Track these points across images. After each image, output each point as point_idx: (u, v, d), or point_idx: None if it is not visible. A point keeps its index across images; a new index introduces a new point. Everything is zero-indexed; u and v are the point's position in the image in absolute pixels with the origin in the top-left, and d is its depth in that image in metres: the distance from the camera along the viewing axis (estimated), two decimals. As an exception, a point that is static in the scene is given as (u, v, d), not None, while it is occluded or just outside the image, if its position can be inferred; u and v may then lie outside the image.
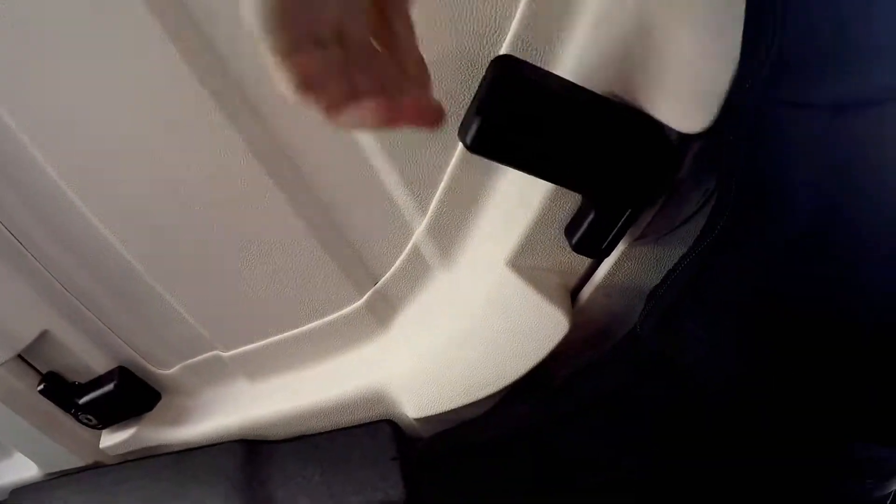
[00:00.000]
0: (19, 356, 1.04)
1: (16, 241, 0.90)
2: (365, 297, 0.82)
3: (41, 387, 1.04)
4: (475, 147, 0.49)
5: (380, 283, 0.81)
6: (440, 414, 0.79)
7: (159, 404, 1.04)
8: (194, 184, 0.74)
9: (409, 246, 0.76)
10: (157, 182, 0.75)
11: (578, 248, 0.60)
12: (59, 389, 1.04)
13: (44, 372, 1.05)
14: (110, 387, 0.97)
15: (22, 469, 1.31)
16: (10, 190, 0.83)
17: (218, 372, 0.98)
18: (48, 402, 1.07)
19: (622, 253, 0.63)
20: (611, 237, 0.58)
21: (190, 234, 0.80)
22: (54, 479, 1.17)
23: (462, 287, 0.74)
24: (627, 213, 0.56)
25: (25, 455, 1.19)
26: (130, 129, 0.71)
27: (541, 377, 0.72)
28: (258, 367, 0.95)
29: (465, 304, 0.73)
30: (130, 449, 1.08)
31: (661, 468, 0.78)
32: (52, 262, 0.92)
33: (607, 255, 0.61)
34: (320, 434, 0.91)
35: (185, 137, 0.70)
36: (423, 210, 0.71)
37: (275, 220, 0.75)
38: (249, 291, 0.84)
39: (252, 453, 0.95)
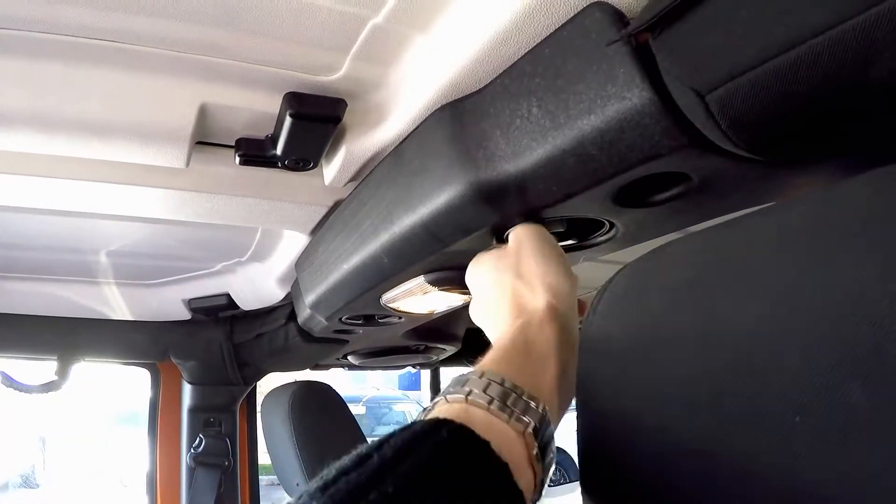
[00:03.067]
0: (201, 143, 0.98)
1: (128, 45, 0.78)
2: None
3: (238, 158, 0.98)
4: None
5: None
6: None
7: (351, 114, 0.91)
8: None
9: None
10: None
11: None
12: (255, 150, 0.97)
13: (232, 143, 0.99)
14: (289, 118, 0.86)
15: (294, 242, 1.37)
16: None
17: (386, 45, 0.80)
18: (256, 168, 1.03)
19: None
20: None
21: None
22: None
23: None
24: None
25: (274, 226, 1.22)
26: None
27: None
28: (415, 11, 0.75)
29: None
30: (352, 171, 1.00)
31: None
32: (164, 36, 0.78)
33: None
34: (521, 60, 0.71)
35: None
36: None
37: None
38: None
39: (458, 113, 0.79)
